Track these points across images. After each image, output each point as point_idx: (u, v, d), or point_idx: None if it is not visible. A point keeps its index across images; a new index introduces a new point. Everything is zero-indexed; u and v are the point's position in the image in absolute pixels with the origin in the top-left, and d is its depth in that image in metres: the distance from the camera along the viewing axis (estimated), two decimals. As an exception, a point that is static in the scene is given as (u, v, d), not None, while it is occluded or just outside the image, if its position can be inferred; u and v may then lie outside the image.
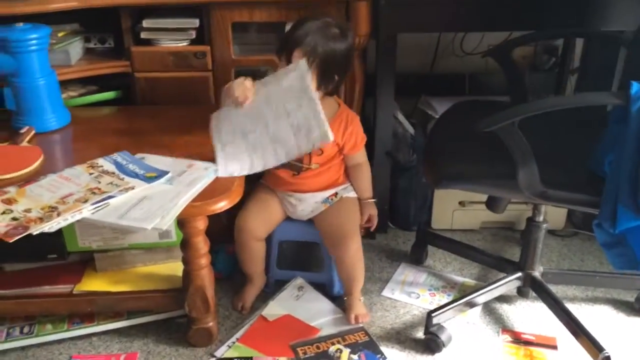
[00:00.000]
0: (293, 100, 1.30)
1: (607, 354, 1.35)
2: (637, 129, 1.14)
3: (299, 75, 1.31)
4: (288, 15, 1.66)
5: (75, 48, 1.67)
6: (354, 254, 1.52)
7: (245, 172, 1.34)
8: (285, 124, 1.31)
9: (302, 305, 1.63)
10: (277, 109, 1.32)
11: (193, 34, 1.67)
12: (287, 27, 1.68)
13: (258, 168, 1.36)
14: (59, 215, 1.15)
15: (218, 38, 1.66)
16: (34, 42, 1.44)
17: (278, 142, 1.33)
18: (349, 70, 1.54)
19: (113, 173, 1.31)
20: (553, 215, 1.95)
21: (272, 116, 1.33)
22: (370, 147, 1.84)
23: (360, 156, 1.59)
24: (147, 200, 1.23)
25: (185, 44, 1.68)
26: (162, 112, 1.67)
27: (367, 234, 1.97)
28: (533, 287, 1.62)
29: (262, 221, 1.56)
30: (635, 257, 1.25)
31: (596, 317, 1.63)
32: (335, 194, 1.57)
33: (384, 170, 1.88)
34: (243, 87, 1.35)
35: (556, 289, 1.68)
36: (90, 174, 1.30)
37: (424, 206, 2.00)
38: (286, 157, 1.34)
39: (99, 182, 1.27)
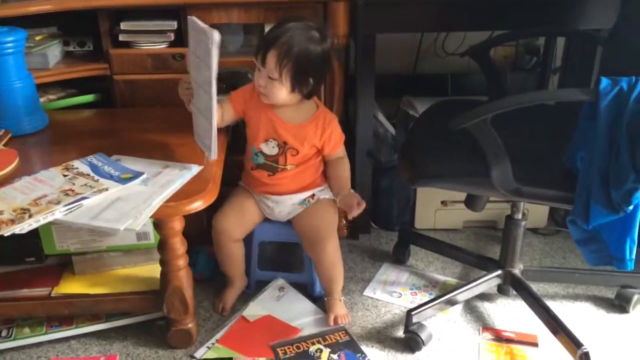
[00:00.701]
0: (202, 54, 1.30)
1: (585, 350, 1.35)
2: (606, 124, 1.15)
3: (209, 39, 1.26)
4: (266, 17, 1.66)
5: (54, 51, 1.68)
6: (332, 254, 1.53)
7: (215, 131, 1.32)
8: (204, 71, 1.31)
9: (283, 305, 1.63)
10: (197, 65, 1.35)
11: (172, 36, 1.68)
12: (267, 29, 1.69)
13: (213, 120, 1.31)
14: (30, 217, 1.15)
15: (196, 40, 1.66)
16: (9, 45, 1.43)
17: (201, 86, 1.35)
18: (326, 74, 1.53)
19: (88, 175, 1.31)
20: (535, 213, 1.96)
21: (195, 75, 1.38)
22: (351, 148, 1.85)
23: (340, 152, 1.58)
24: (121, 201, 1.23)
25: (163, 46, 1.68)
26: (141, 114, 1.67)
27: (350, 235, 1.97)
28: (513, 285, 1.62)
29: (237, 222, 1.56)
30: (609, 252, 1.26)
31: (577, 314, 1.63)
32: (313, 196, 1.57)
33: (366, 170, 1.89)
34: (181, 87, 1.45)
35: (538, 287, 1.69)
36: (65, 175, 1.30)
37: (407, 206, 2.00)
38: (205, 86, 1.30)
39: (73, 184, 1.27)
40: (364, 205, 1.45)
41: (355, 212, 1.44)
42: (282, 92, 1.42)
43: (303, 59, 1.37)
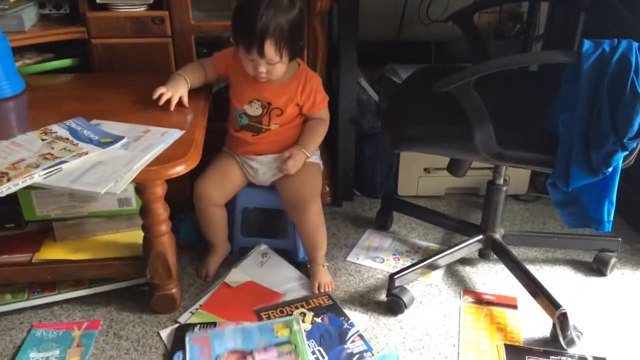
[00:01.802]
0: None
1: (563, 310, 1.38)
2: (588, 87, 1.16)
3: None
4: (247, -20, 1.62)
5: (29, 14, 1.63)
6: (315, 218, 1.53)
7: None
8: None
9: (266, 271, 1.64)
10: None
11: (151, -1, 1.64)
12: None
13: None
14: (9, 180, 1.13)
15: (176, 3, 1.63)
16: (-18, 6, 1.40)
17: None
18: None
19: (67, 139, 1.29)
20: (516, 180, 1.98)
21: None
22: (334, 115, 1.84)
23: (320, 114, 1.57)
24: (102, 165, 1.21)
25: (142, 9, 1.64)
26: (120, 79, 1.64)
27: (333, 202, 1.98)
28: (494, 249, 1.64)
29: (219, 187, 1.55)
30: (587, 214, 1.27)
31: (556, 277, 1.66)
32: None
33: (349, 137, 1.88)
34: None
35: (518, 251, 1.72)
36: (43, 140, 1.28)
37: (389, 173, 2.01)
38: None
39: (52, 148, 1.25)
40: (292, 171, 1.51)
41: (283, 169, 1.51)
42: (283, 68, 1.43)
43: (293, 31, 1.38)
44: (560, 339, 1.38)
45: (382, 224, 1.88)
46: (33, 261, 1.45)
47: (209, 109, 1.53)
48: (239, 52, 1.43)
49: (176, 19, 1.65)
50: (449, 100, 1.24)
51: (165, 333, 1.43)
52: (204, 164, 1.48)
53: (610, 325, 1.48)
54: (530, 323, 1.49)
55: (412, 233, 1.87)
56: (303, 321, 1.47)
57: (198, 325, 1.43)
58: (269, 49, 1.36)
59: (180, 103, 1.44)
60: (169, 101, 1.43)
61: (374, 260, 1.73)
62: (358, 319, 1.49)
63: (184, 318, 1.48)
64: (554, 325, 1.40)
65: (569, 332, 1.37)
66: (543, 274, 1.67)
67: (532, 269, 1.56)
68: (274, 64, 1.40)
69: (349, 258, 1.74)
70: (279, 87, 1.49)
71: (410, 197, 2.01)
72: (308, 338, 1.41)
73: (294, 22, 1.39)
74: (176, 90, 1.44)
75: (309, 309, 1.51)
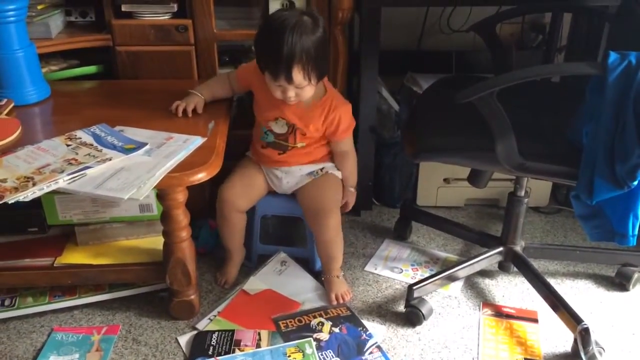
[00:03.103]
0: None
1: (585, 326, 1.36)
2: (613, 99, 1.14)
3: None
4: (270, -10, 1.64)
5: (56, 21, 1.66)
6: (333, 229, 1.52)
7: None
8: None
9: (285, 280, 1.64)
10: None
11: (175, 7, 1.66)
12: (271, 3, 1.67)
13: None
14: (34, 185, 1.15)
15: (200, 12, 1.65)
16: (11, 13, 1.42)
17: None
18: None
19: (91, 145, 1.31)
20: (537, 192, 1.96)
21: None
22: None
23: (344, 144, 1.56)
24: (125, 171, 1.23)
25: (166, 17, 1.67)
26: (144, 86, 1.66)
27: (351, 211, 1.97)
28: (514, 262, 1.63)
29: (244, 193, 1.56)
30: (611, 228, 1.26)
31: (577, 291, 1.64)
32: (322, 169, 1.57)
33: (368, 146, 1.88)
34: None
35: (538, 264, 1.70)
36: (68, 145, 1.30)
37: (409, 183, 2.00)
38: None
39: (77, 154, 1.27)
40: (348, 209, 1.66)
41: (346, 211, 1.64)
42: (312, 89, 1.41)
43: (319, 52, 1.35)
44: (582, 354, 1.35)
45: (400, 234, 1.87)
46: (55, 265, 1.47)
47: (231, 116, 1.54)
48: (265, 76, 1.40)
49: (199, 27, 1.66)
50: (470, 111, 1.23)
51: (183, 339, 1.44)
52: (225, 171, 1.49)
53: (633, 341, 1.45)
54: (551, 337, 1.47)
55: (431, 244, 1.85)
56: (321, 331, 1.46)
57: (216, 334, 1.44)
58: (297, 74, 1.33)
59: (194, 110, 1.49)
60: (185, 110, 1.48)
61: (392, 270, 1.72)
62: (376, 329, 1.48)
63: (202, 325, 1.48)
64: (575, 340, 1.38)
65: (590, 348, 1.35)
66: (564, 287, 1.65)
67: (553, 282, 1.54)
68: (302, 87, 1.37)
69: (367, 268, 1.73)
70: (301, 110, 1.47)
71: (429, 207, 2.00)
72: (325, 348, 1.41)
73: (320, 42, 1.35)
74: (189, 102, 1.49)
75: (327, 319, 1.51)
